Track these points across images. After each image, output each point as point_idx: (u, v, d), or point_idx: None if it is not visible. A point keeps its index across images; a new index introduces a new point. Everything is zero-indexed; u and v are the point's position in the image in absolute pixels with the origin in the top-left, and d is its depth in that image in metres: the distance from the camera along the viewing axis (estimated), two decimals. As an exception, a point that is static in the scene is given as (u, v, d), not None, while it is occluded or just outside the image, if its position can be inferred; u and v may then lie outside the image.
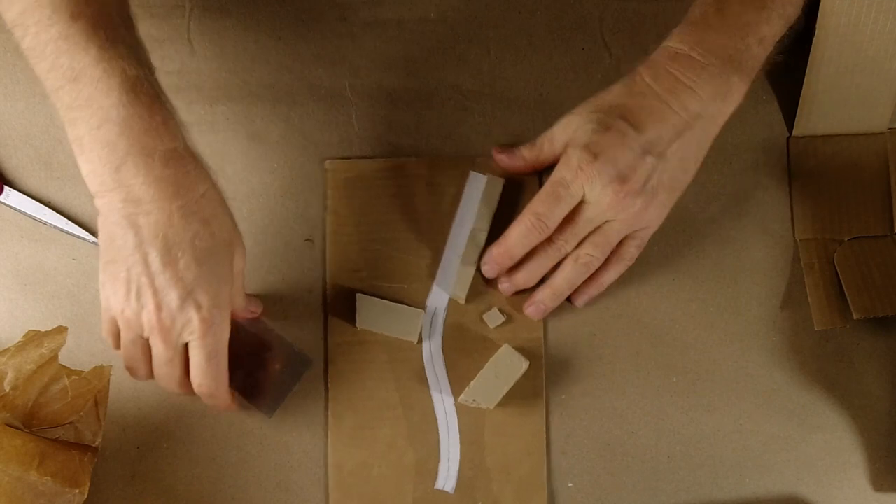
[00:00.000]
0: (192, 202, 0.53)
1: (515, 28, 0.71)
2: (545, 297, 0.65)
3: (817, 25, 0.64)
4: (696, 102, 0.59)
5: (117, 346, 0.58)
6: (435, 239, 0.68)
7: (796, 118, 0.70)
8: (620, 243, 0.64)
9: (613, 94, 0.60)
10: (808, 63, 0.67)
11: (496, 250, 0.64)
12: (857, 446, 0.68)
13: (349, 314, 0.67)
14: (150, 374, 0.58)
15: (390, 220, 0.68)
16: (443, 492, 0.65)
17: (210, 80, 0.70)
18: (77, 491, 0.57)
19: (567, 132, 0.61)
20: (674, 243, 0.69)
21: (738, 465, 0.68)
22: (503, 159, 0.67)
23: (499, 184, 0.67)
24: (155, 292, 0.53)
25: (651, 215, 0.62)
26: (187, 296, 0.53)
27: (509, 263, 0.64)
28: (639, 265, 0.69)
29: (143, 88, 0.52)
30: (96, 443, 0.60)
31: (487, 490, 0.65)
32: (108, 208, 0.53)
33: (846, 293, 0.68)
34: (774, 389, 0.68)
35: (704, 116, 0.59)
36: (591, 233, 0.62)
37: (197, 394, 0.58)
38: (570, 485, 0.67)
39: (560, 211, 0.61)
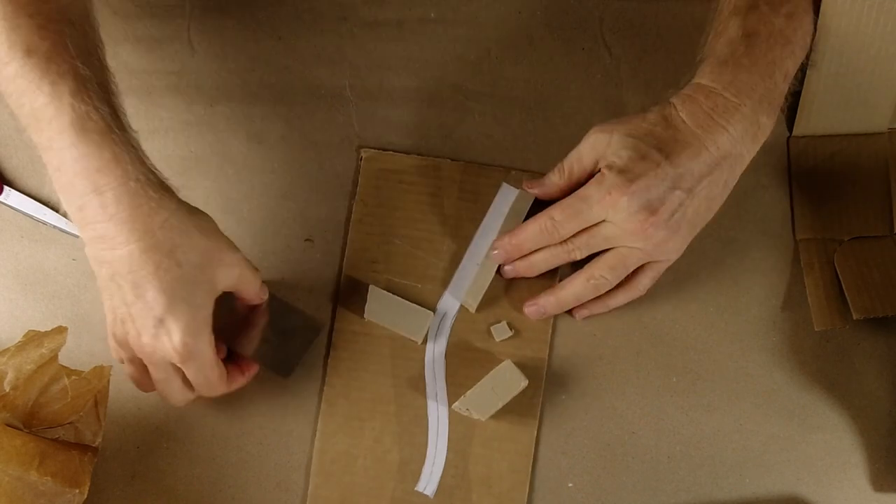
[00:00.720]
0: (150, 237, 0.53)
1: (515, 28, 0.71)
2: (548, 304, 0.65)
3: (817, 25, 0.64)
4: (728, 142, 0.59)
5: (121, 361, 0.60)
6: (456, 244, 0.68)
7: (796, 118, 0.70)
8: (635, 271, 0.64)
9: (649, 122, 0.60)
10: (808, 63, 0.67)
11: (507, 239, 0.65)
12: (857, 446, 0.68)
13: (359, 304, 0.67)
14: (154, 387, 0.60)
15: (415, 217, 0.68)
16: (422, 495, 0.65)
17: (210, 80, 0.70)
18: (77, 491, 0.57)
19: (597, 150, 0.61)
20: (674, 243, 0.69)
21: (738, 465, 0.68)
22: (538, 192, 0.66)
23: (529, 199, 0.67)
24: (133, 320, 0.55)
25: (670, 248, 0.62)
26: (159, 325, 0.54)
27: (517, 255, 0.65)
28: (639, 265, 0.69)
29: (92, 124, 0.52)
30: (96, 443, 0.60)
31: (467, 500, 0.65)
32: (86, 241, 0.54)
33: (846, 293, 0.68)
34: (774, 389, 0.68)
35: (734, 155, 0.59)
36: (608, 252, 0.63)
37: (198, 391, 0.60)
38: (571, 485, 0.67)
39: (575, 224, 0.61)
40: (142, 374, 0.59)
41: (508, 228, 0.67)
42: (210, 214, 0.68)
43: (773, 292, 0.69)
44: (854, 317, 0.67)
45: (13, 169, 0.68)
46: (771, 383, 0.68)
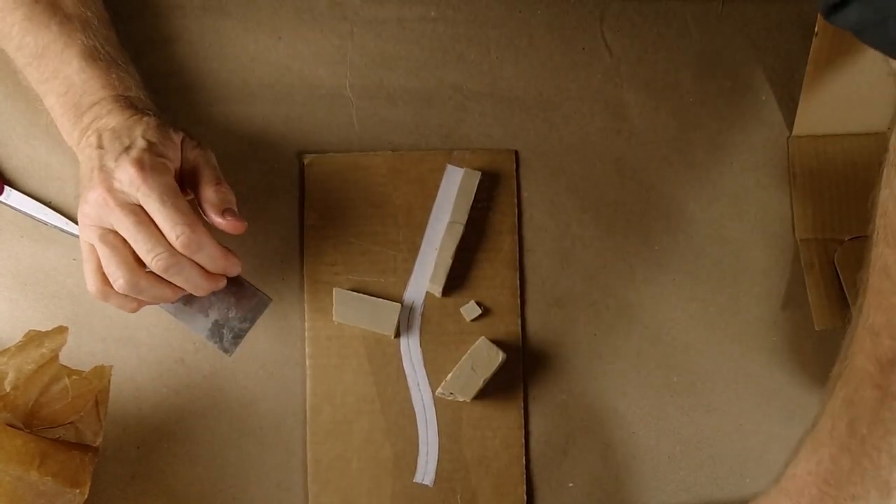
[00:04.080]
0: (134, 116, 0.59)
1: (515, 28, 0.71)
2: None
3: (817, 25, 0.64)
4: None
5: (104, 282, 0.58)
6: (412, 233, 0.68)
7: (796, 118, 0.70)
8: None
9: None
10: (808, 63, 0.67)
11: None
12: (856, 446, 0.68)
13: (327, 308, 0.67)
14: (133, 276, 0.57)
15: (367, 214, 0.68)
16: (421, 485, 0.66)
17: (210, 80, 0.70)
18: (77, 491, 0.57)
19: None
20: (674, 243, 0.70)
21: (738, 465, 0.68)
22: None
23: (475, 176, 0.68)
24: (100, 168, 0.56)
25: None
26: (123, 153, 0.56)
27: None
28: (639, 265, 0.69)
29: (100, 55, 0.60)
30: (97, 443, 0.60)
31: (466, 483, 0.66)
32: (81, 156, 0.59)
33: (846, 293, 0.68)
34: (774, 389, 0.68)
35: None
36: None
37: (183, 252, 0.56)
38: (571, 485, 0.67)
39: None
40: (121, 254, 0.57)
41: (460, 207, 0.67)
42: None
43: (773, 292, 0.69)
44: (854, 317, 0.67)
45: (13, 169, 0.68)
46: (771, 383, 0.69)
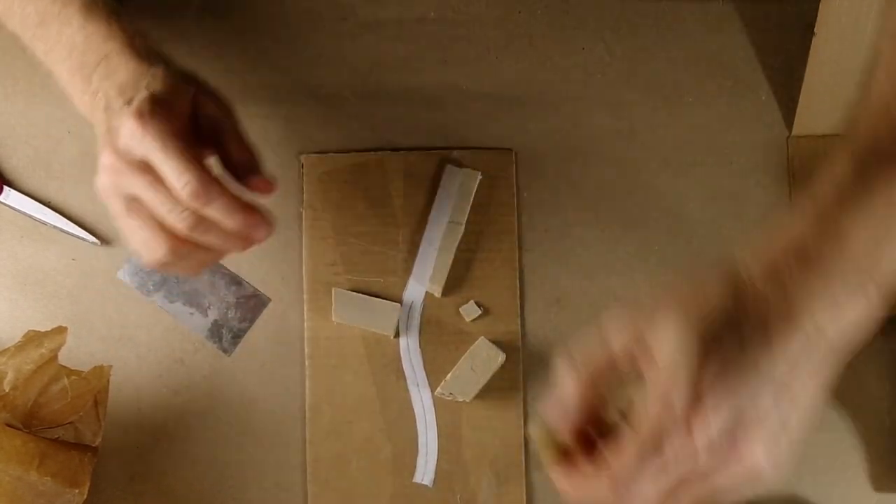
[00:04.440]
0: (139, 69, 0.54)
1: (515, 28, 0.71)
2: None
3: (817, 25, 0.64)
4: (825, 315, 0.41)
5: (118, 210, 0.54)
6: (411, 233, 0.68)
7: (796, 118, 0.70)
8: None
9: (714, 297, 0.43)
10: (808, 63, 0.67)
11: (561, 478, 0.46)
12: (857, 446, 0.68)
13: (326, 308, 0.67)
14: (166, 243, 0.52)
15: (366, 214, 0.68)
16: (421, 485, 0.66)
17: (210, 80, 0.70)
18: (77, 491, 0.57)
19: (636, 334, 0.44)
20: (674, 243, 0.69)
21: (738, 465, 0.68)
22: (552, 418, 0.46)
23: (475, 177, 0.68)
24: (107, 130, 0.53)
25: (755, 481, 0.43)
26: (124, 107, 0.52)
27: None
28: (639, 265, 0.69)
29: (98, 10, 0.56)
30: (96, 443, 0.60)
31: (465, 483, 0.66)
32: (96, 122, 0.55)
33: (846, 293, 0.67)
34: (774, 389, 0.68)
35: (834, 340, 0.42)
36: None
37: (193, 204, 0.51)
38: (570, 485, 0.67)
39: (652, 482, 0.42)
40: (126, 216, 0.53)
41: (459, 208, 0.67)
42: (210, 214, 0.68)
43: (773, 292, 0.69)
44: (854, 317, 0.67)
45: (13, 169, 0.68)
46: (771, 383, 0.68)
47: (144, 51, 0.56)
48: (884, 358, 0.69)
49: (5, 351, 0.57)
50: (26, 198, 0.67)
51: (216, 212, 0.51)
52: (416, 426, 0.66)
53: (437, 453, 0.66)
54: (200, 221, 0.51)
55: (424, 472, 0.66)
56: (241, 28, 0.71)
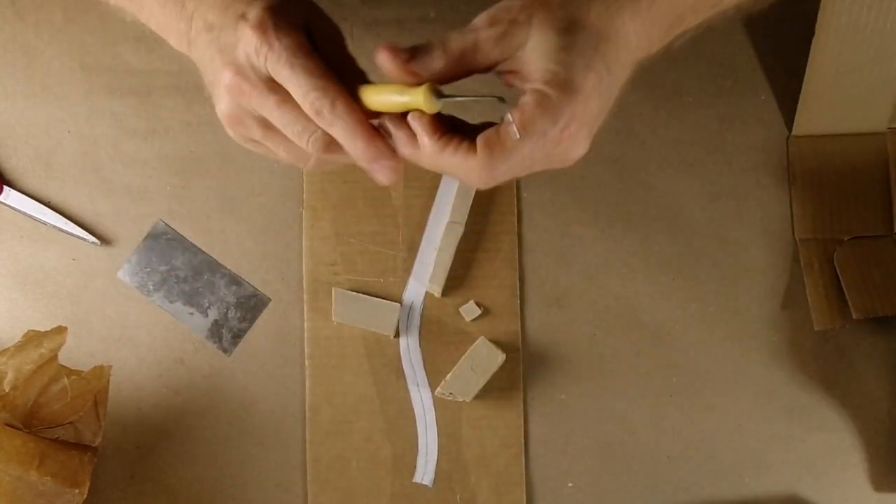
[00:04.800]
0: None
1: (515, 28, 0.71)
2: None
3: (817, 25, 0.64)
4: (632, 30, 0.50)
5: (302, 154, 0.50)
6: (411, 233, 0.68)
7: (796, 118, 0.70)
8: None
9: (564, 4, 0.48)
10: (808, 63, 0.67)
11: (416, 122, 0.48)
12: (857, 446, 0.68)
13: (326, 308, 0.67)
14: (290, 149, 0.50)
15: (366, 214, 0.68)
16: (421, 485, 0.66)
17: (210, 80, 0.70)
18: (77, 491, 0.57)
19: (507, 45, 0.49)
20: (674, 243, 0.69)
21: (738, 465, 0.68)
22: (394, 65, 0.48)
23: None
24: (220, 50, 0.48)
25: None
26: (239, 20, 0.47)
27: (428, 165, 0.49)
28: (639, 265, 0.69)
29: None
30: (96, 443, 0.60)
31: (465, 483, 0.66)
32: (196, 53, 0.50)
33: (846, 293, 0.68)
34: (774, 389, 0.68)
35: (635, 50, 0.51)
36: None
37: (318, 122, 0.47)
38: (570, 485, 0.67)
39: (514, 171, 0.49)
40: (267, 130, 0.49)
41: (459, 208, 0.67)
42: (209, 215, 0.68)
43: (773, 292, 0.69)
44: (854, 316, 0.67)
45: (13, 169, 0.68)
46: (771, 383, 0.68)
47: None
48: (884, 358, 0.69)
49: (5, 351, 0.57)
50: (26, 198, 0.67)
51: (338, 132, 0.47)
52: (416, 426, 0.66)
53: (437, 453, 0.66)
54: (331, 145, 0.48)
55: (424, 471, 0.66)
56: (241, 28, 0.70)
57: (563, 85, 0.47)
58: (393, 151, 0.48)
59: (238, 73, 0.47)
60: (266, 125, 0.49)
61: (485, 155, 0.48)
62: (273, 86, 0.47)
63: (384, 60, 0.48)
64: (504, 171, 0.48)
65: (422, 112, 0.47)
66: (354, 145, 0.47)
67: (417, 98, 0.47)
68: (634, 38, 0.49)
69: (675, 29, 0.51)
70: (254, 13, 0.47)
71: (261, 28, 0.46)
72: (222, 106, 0.49)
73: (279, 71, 0.47)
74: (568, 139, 0.48)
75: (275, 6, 0.47)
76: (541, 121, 0.47)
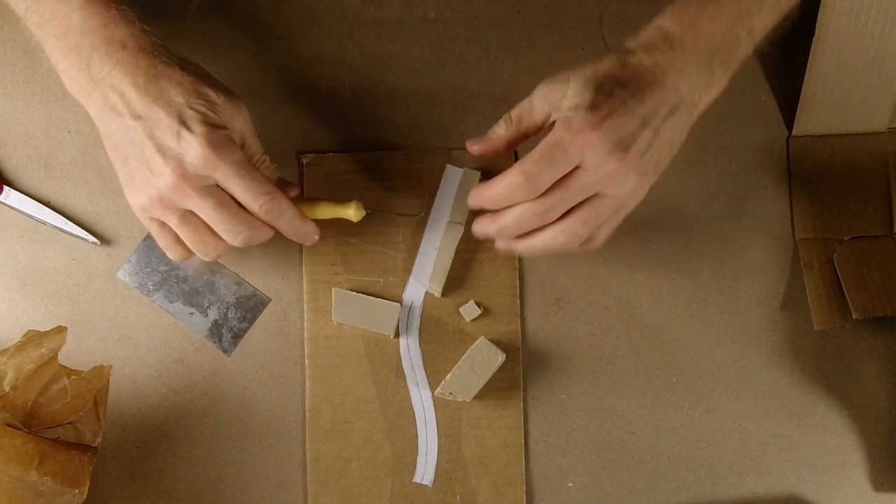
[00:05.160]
0: (154, 68, 0.56)
1: (515, 28, 0.71)
2: (519, 248, 0.60)
3: (817, 25, 0.64)
4: (685, 86, 0.57)
5: (182, 250, 0.60)
6: (411, 233, 0.68)
7: (796, 118, 0.70)
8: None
9: (606, 65, 0.58)
10: (808, 63, 0.67)
11: (476, 194, 0.59)
12: (857, 446, 0.68)
13: (326, 308, 0.67)
14: (222, 247, 0.59)
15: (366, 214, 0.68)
16: (421, 485, 0.66)
17: (210, 80, 0.70)
18: (77, 491, 0.57)
19: (551, 101, 0.58)
20: (674, 243, 0.70)
21: (738, 465, 0.68)
22: (478, 149, 0.62)
23: (475, 176, 0.68)
24: (159, 150, 0.54)
25: (638, 194, 0.59)
26: (181, 126, 0.54)
27: (489, 208, 0.60)
28: (639, 265, 0.69)
29: None
30: (96, 443, 0.60)
31: (465, 483, 0.66)
32: (95, 110, 0.56)
33: (846, 293, 0.68)
34: (774, 389, 0.68)
35: (689, 102, 0.58)
36: (581, 206, 0.58)
37: (266, 218, 0.58)
38: (570, 485, 0.67)
39: (552, 174, 0.56)
40: (200, 230, 0.58)
41: (459, 208, 0.67)
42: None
43: (773, 292, 0.69)
44: (854, 316, 0.67)
45: (13, 169, 0.68)
46: (771, 383, 0.69)
47: (149, 45, 0.57)
48: (884, 358, 0.69)
49: (5, 351, 0.57)
50: (26, 198, 0.67)
51: (282, 224, 0.59)
52: (415, 426, 0.67)
53: (436, 453, 0.66)
54: (257, 236, 0.58)
55: (424, 471, 0.66)
56: (241, 28, 0.70)
57: (582, 106, 0.56)
58: (317, 229, 0.60)
59: (183, 177, 0.54)
60: (184, 218, 0.57)
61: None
62: (213, 191, 0.56)
63: (474, 153, 0.62)
64: (559, 201, 0.58)
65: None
66: (295, 231, 0.59)
67: (348, 211, 0.62)
68: (671, 80, 0.57)
69: (713, 64, 0.59)
70: (198, 128, 0.54)
71: (210, 146, 0.54)
72: (153, 192, 0.55)
73: (228, 182, 0.56)
74: (588, 148, 0.55)
75: (207, 116, 0.55)
76: (561, 132, 0.56)
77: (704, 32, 0.58)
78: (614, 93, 0.56)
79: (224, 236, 0.57)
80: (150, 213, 0.57)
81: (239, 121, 0.58)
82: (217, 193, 0.56)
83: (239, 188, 0.56)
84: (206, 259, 0.60)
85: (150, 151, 0.54)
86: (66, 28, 0.56)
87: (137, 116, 0.55)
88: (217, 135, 0.55)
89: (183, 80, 0.56)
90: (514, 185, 0.57)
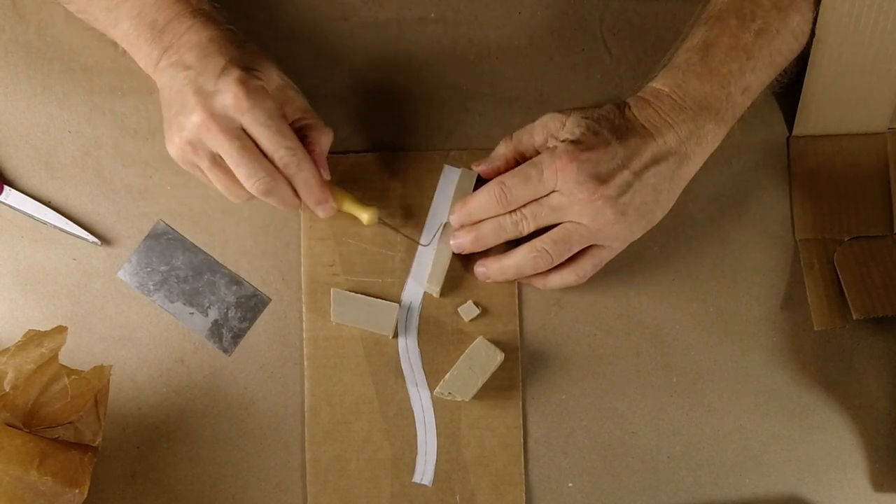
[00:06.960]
0: (218, 29, 0.60)
1: (515, 28, 0.71)
2: (493, 270, 0.66)
3: (817, 25, 0.64)
4: (674, 139, 0.62)
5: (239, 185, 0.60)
6: (409, 233, 0.68)
7: (796, 118, 0.70)
8: (579, 254, 0.64)
9: (605, 111, 0.63)
10: (808, 63, 0.67)
11: (458, 207, 0.65)
12: (857, 446, 0.68)
13: (325, 309, 0.67)
14: (245, 193, 0.61)
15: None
16: (420, 485, 0.66)
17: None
18: (77, 491, 0.57)
19: (549, 128, 0.63)
20: (674, 243, 0.70)
21: (738, 465, 0.68)
22: (482, 169, 0.67)
23: (472, 177, 0.68)
24: (197, 91, 0.57)
25: (615, 233, 0.62)
26: (221, 72, 0.57)
27: (468, 222, 0.65)
28: (639, 265, 0.69)
29: None
30: (96, 443, 0.60)
31: (465, 483, 0.66)
32: (162, 76, 0.60)
33: (846, 293, 0.68)
34: (774, 389, 0.68)
35: (680, 154, 0.62)
36: (555, 227, 0.63)
37: (285, 171, 0.59)
38: (571, 485, 0.67)
39: (525, 191, 0.62)
40: (226, 175, 0.60)
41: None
42: (210, 214, 0.68)
43: (773, 292, 0.69)
44: (854, 317, 0.67)
45: (13, 169, 0.68)
46: (771, 383, 0.69)
47: (215, 14, 0.62)
48: (884, 358, 0.69)
49: (5, 351, 0.57)
50: (26, 198, 0.67)
51: (299, 181, 0.60)
52: (415, 426, 0.66)
53: (436, 453, 0.66)
54: (276, 187, 0.59)
55: (424, 472, 0.66)
56: (241, 28, 0.70)
57: (570, 139, 0.61)
58: (331, 196, 0.62)
59: (211, 116, 0.57)
60: (215, 161, 0.59)
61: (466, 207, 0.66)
62: (238, 134, 0.58)
63: (479, 172, 0.67)
64: (531, 214, 0.63)
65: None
66: (310, 191, 0.61)
67: (364, 213, 0.65)
68: (660, 133, 0.62)
69: (703, 119, 0.63)
70: (236, 73, 0.57)
71: (244, 88, 0.57)
72: (184, 133, 0.58)
73: (256, 127, 0.57)
74: (562, 173, 0.60)
75: (249, 69, 0.58)
76: (543, 156, 0.62)
77: (692, 92, 0.62)
78: (601, 134, 0.61)
79: (243, 181, 0.59)
80: (185, 157, 0.59)
81: (282, 91, 0.61)
82: (242, 137, 0.58)
83: (264, 136, 0.58)
84: (236, 201, 0.62)
85: (188, 94, 0.57)
86: (140, 7, 0.60)
87: (188, 67, 0.58)
88: (252, 81, 0.57)
89: (237, 39, 0.60)
90: (491, 196, 0.63)
